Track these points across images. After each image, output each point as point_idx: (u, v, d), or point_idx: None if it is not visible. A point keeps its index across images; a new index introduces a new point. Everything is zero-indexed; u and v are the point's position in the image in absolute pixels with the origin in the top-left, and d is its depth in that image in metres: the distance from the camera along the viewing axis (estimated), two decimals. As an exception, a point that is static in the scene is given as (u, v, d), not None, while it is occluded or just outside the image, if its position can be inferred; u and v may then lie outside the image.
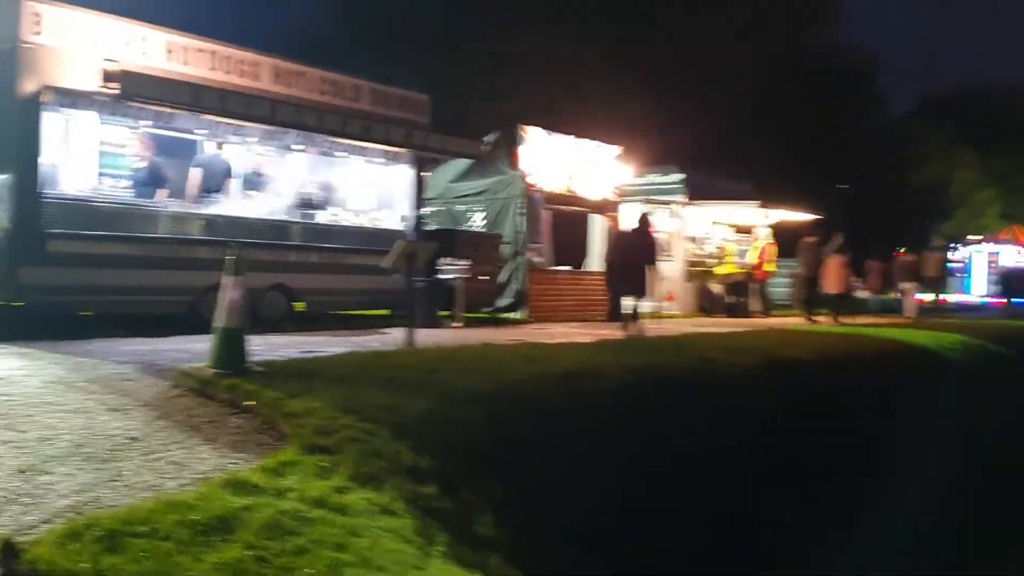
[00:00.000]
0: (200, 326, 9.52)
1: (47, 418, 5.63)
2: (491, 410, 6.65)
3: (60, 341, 9.09)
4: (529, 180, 16.40)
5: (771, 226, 22.09)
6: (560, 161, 17.19)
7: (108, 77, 9.29)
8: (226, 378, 6.55)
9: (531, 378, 7.76)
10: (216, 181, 12.16)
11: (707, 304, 20.88)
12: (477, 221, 16.70)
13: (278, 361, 7.78)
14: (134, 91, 9.49)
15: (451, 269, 13.97)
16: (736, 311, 20.51)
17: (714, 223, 22.07)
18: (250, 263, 10.00)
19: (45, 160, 9.92)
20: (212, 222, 11.54)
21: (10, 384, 6.64)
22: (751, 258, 21.30)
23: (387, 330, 12.59)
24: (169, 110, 10.75)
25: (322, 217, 13.24)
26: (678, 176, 20.68)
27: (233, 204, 12.42)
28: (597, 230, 18.70)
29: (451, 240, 14.75)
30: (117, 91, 9.30)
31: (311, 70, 12.42)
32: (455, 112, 14.24)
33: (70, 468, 4.64)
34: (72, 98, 9.96)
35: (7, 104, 9.73)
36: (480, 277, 14.68)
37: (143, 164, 11.15)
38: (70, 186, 10.72)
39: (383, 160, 13.78)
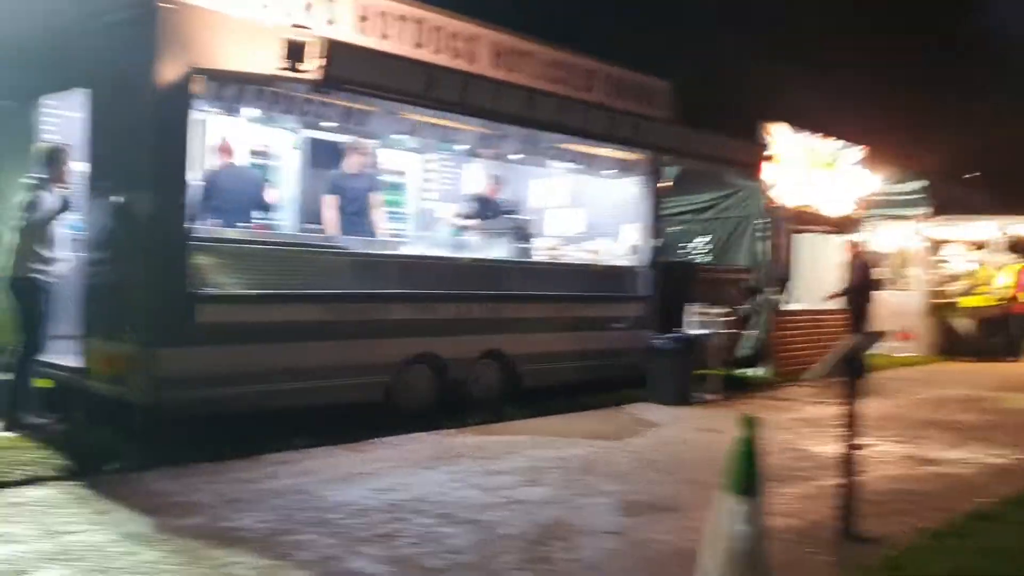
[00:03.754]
0: (396, 420, 7.44)
1: None
2: None
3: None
4: (771, 194, 12.57)
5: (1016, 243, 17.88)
6: (801, 168, 13.27)
7: (294, 53, 5.80)
8: None
9: None
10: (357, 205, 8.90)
11: (950, 344, 16.69)
12: (698, 248, 12.92)
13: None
14: (347, 74, 5.97)
15: (703, 320, 10.23)
16: (992, 353, 16.30)
17: (942, 241, 17.85)
18: (455, 323, 7.60)
19: (192, 180, 6.56)
20: (407, 267, 8.05)
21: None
22: (1003, 285, 17.02)
23: (631, 407, 9.02)
24: (364, 107, 7.34)
25: (538, 253, 9.68)
26: (918, 184, 16.56)
27: (431, 241, 9.01)
28: (830, 255, 14.71)
29: (687, 278, 11.04)
30: (317, 74, 5.79)
31: (539, 48, 8.83)
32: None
33: None
34: (234, 85, 6.58)
35: (135, 95, 6.38)
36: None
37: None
38: (215, 218, 7.44)
39: (614, 171, 10.14)
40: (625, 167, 10.07)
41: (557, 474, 6.16)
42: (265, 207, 8.66)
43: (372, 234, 9.03)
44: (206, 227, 7.03)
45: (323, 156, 9.31)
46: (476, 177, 11.09)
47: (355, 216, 9.04)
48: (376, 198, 9.05)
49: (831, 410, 9.66)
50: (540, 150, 9.11)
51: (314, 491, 5.50)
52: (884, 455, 7.08)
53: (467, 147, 8.89)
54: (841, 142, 14.26)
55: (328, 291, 7.23)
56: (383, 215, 9.24)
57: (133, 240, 6.41)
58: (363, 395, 7.57)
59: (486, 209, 9.93)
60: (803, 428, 8.33)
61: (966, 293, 16.99)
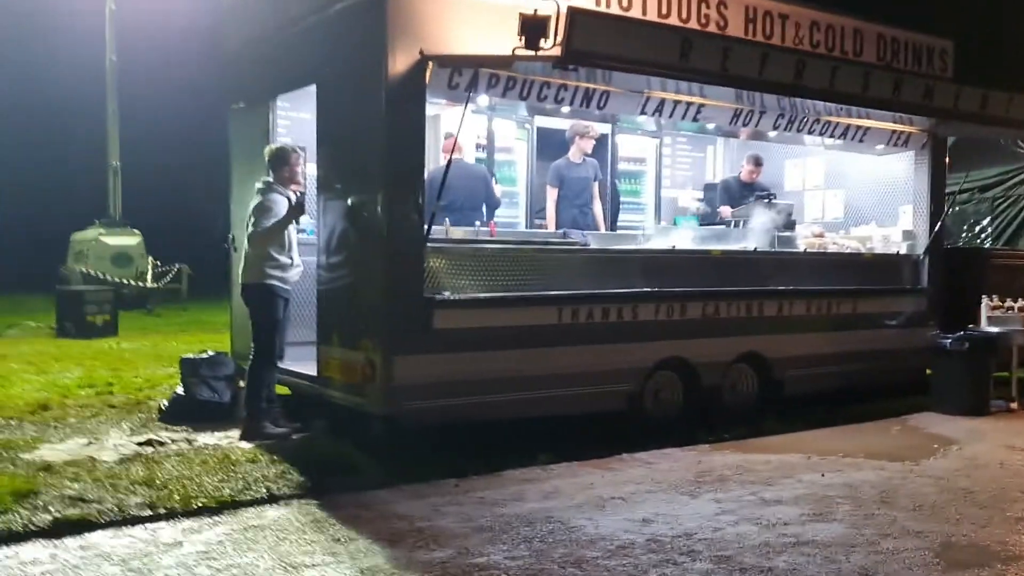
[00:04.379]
0: (641, 431, 6.79)
1: None
2: None
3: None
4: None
5: None
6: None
7: (532, 28, 5.16)
8: None
9: None
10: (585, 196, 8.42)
11: None
12: (984, 229, 11.15)
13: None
14: (591, 46, 5.24)
15: (998, 314, 8.67)
16: None
17: None
18: (706, 324, 7.20)
19: (427, 178, 6.13)
20: (650, 263, 7.25)
21: None
22: None
23: (913, 418, 7.76)
24: (604, 86, 6.65)
25: (799, 243, 8.56)
26: None
27: (676, 233, 8.23)
28: None
29: (977, 266, 9.45)
30: (557, 50, 5.11)
31: (797, 10, 7.71)
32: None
33: None
34: (466, 72, 6.07)
35: (365, 88, 6.01)
36: None
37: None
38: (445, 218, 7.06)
39: (884, 145, 8.80)
40: (899, 140, 8.70)
41: (848, 506, 5.14)
42: (495, 204, 8.19)
43: (599, 227, 8.36)
44: (439, 228, 6.60)
45: (552, 145, 8.72)
46: (727, 159, 10.14)
47: (582, 208, 8.40)
48: (599, 187, 8.41)
49: None
50: (802, 125, 7.98)
51: (565, 519, 4.84)
52: None
53: (719, 125, 7.96)
54: None
55: (566, 292, 6.57)
56: (605, 206, 8.60)
57: (367, 244, 6.05)
58: (605, 404, 6.86)
59: (741, 194, 8.94)
60: None
61: None
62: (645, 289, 6.99)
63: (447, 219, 7.28)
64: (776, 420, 7.51)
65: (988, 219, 11.06)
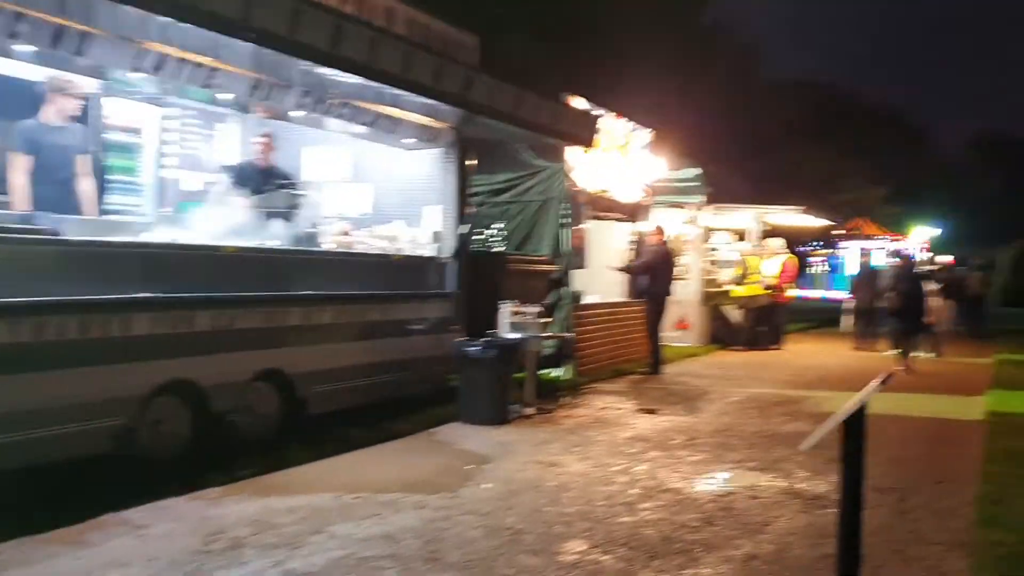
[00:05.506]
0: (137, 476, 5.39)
1: None
2: None
3: None
4: (572, 176, 11.28)
5: (767, 232, 18.26)
6: (598, 150, 12.08)
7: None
8: None
9: None
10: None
11: (723, 333, 16.51)
12: (494, 234, 11.33)
13: None
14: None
15: (517, 320, 8.66)
16: (759, 342, 16.30)
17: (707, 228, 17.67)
18: (217, 337, 5.94)
19: None
20: (147, 260, 5.72)
21: None
22: (770, 275, 17.10)
23: (443, 430, 7.36)
24: (85, 26, 4.91)
25: (326, 241, 7.60)
26: (694, 172, 16.10)
27: (177, 223, 6.74)
28: (618, 244, 13.75)
29: (496, 271, 9.44)
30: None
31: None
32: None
33: None
34: None
35: None
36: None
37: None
38: None
39: (413, 140, 8.25)
40: (429, 136, 8.21)
41: (393, 571, 4.25)
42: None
43: (90, 211, 6.54)
44: None
45: (13, 100, 6.58)
46: (239, 138, 8.69)
47: (60, 186, 6.48)
48: (86, 162, 6.54)
49: (663, 422, 8.62)
50: (326, 108, 7.01)
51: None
52: (771, 494, 5.87)
53: (237, 97, 6.62)
54: (632, 123, 13.32)
55: (20, 299, 4.77)
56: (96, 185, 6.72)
57: None
58: (87, 446, 5.19)
59: (257, 181, 7.58)
60: (651, 451, 7.00)
61: (737, 282, 16.91)
62: (134, 295, 5.43)
63: None
64: (301, 446, 6.47)
65: (502, 224, 11.25)
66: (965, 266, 25.61)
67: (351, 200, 9.00)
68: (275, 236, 6.88)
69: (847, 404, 3.42)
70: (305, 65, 6.11)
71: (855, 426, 3.33)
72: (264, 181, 7.43)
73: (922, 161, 51.14)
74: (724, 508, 5.45)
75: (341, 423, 7.12)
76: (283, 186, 7.42)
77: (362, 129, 7.76)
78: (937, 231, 39.20)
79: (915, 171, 48.05)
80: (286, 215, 7.08)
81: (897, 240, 32.67)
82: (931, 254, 33.42)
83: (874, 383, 3.49)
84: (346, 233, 7.75)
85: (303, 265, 6.94)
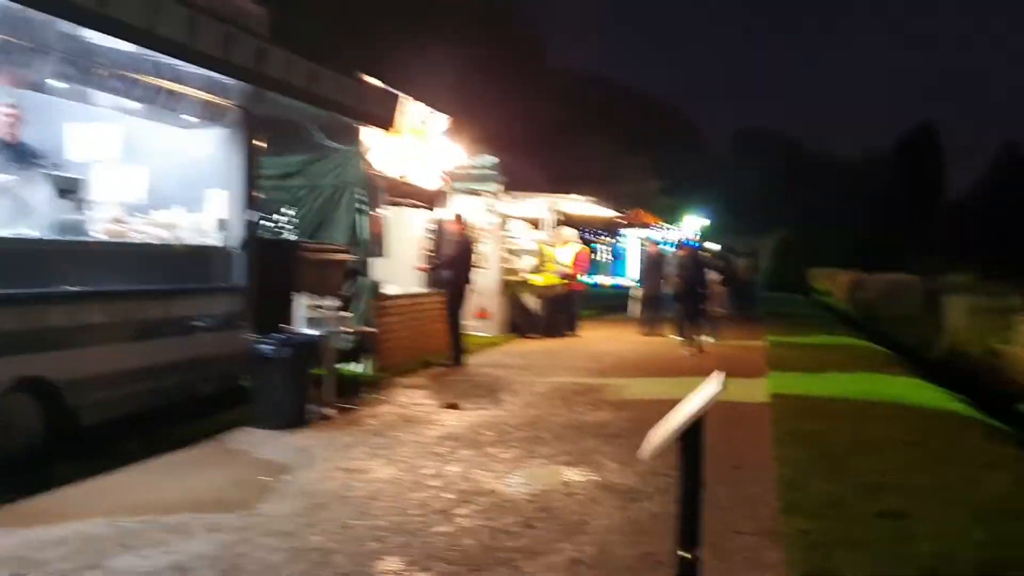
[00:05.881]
0: None
1: None
2: None
3: None
4: (369, 160, 10.79)
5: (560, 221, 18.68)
6: (395, 133, 11.65)
7: None
8: None
9: None
10: None
11: (521, 322, 16.63)
12: (284, 221, 10.63)
13: None
14: None
15: (314, 314, 8.12)
16: (555, 329, 16.58)
17: (504, 216, 17.75)
18: None
19: None
20: None
21: None
22: (564, 263, 17.42)
23: (234, 437, 6.77)
24: None
25: (95, 228, 6.70)
26: (491, 160, 16.04)
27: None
28: (416, 232, 13.41)
29: (290, 261, 8.82)
30: None
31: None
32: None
33: None
34: None
35: None
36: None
37: None
38: None
39: (194, 118, 7.49)
40: (213, 114, 7.48)
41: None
42: None
43: None
44: None
45: None
46: None
47: None
48: None
49: (471, 417, 8.36)
50: (99, 80, 6.16)
51: None
52: (592, 490, 5.78)
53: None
54: (429, 108, 12.98)
55: None
56: None
57: None
58: None
59: (3, 158, 6.47)
60: (462, 449, 6.76)
61: (534, 271, 17.08)
62: None
63: None
64: (72, 463, 5.68)
65: (293, 211, 10.57)
66: (733, 253, 27.58)
67: (124, 183, 8.03)
68: (31, 224, 5.96)
69: (682, 411, 3.28)
70: (66, 27, 5.29)
71: (692, 438, 3.20)
72: (10, 160, 6.37)
73: (694, 154, 54.56)
74: (542, 508, 5.29)
75: (120, 434, 6.35)
76: (36, 165, 6.41)
77: (136, 105, 6.92)
78: (706, 221, 41.91)
79: (688, 163, 51.16)
80: (42, 199, 6.13)
81: (671, 230, 34.52)
82: (703, 243, 35.69)
83: (711, 387, 3.38)
84: (118, 220, 6.88)
85: (67, 257, 6.07)
